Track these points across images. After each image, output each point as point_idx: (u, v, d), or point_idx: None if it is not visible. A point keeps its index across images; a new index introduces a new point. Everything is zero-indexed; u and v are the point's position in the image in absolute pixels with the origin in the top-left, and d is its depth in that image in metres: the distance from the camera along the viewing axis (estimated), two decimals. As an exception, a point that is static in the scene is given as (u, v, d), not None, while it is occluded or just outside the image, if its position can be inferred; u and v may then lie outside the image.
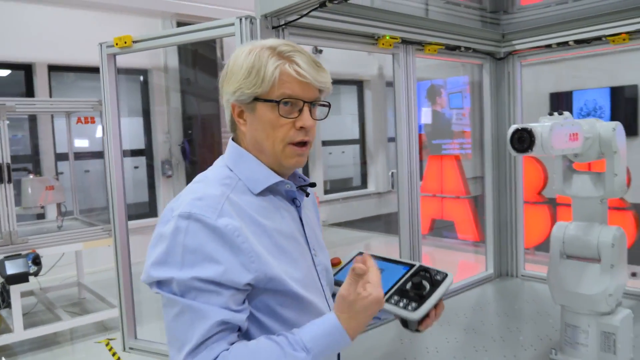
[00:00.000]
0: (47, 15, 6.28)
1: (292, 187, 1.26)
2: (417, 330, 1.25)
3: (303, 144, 1.21)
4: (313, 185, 1.35)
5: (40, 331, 4.16)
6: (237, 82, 1.18)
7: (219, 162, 1.29)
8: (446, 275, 1.25)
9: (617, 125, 1.92)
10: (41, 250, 4.13)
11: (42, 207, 4.70)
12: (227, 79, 1.21)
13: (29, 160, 6.47)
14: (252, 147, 1.23)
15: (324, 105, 1.24)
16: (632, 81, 7.59)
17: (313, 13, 1.86)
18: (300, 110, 1.17)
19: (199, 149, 7.61)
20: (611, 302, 1.87)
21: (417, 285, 1.23)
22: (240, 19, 1.80)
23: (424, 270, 1.27)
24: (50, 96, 6.57)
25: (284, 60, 1.16)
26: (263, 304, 1.14)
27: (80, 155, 6.28)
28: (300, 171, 1.38)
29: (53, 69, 6.67)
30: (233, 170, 1.23)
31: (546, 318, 2.40)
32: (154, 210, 7.56)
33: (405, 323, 1.27)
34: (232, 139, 1.29)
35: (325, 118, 1.28)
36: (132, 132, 7.40)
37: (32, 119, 6.49)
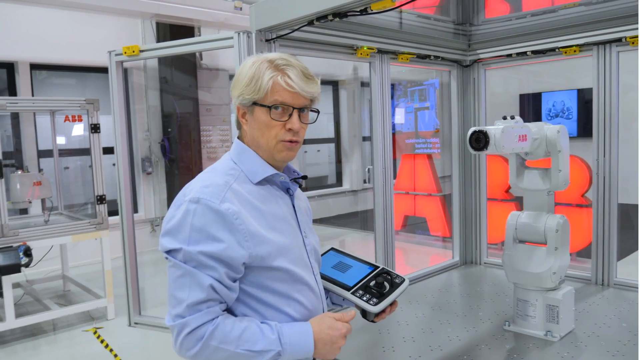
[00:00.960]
0: (29, 14, 6.37)
1: (285, 179, 1.51)
2: (373, 321, 1.53)
3: (292, 141, 1.46)
4: (305, 177, 1.61)
5: (31, 320, 4.31)
6: (240, 89, 1.43)
7: (225, 156, 1.54)
8: (404, 279, 1.55)
9: (562, 128, 2.25)
10: (31, 242, 4.28)
11: (30, 202, 4.82)
12: (234, 85, 1.47)
13: (11, 157, 6.54)
14: (251, 143, 1.48)
15: (313, 111, 1.50)
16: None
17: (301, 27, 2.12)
18: (290, 115, 1.42)
19: (177, 147, 7.76)
20: (555, 279, 2.19)
21: (379, 285, 1.51)
22: (239, 33, 2.06)
23: (386, 273, 1.56)
24: (33, 94, 6.65)
25: (278, 72, 1.40)
26: (256, 279, 1.38)
27: (60, 153, 6.37)
28: (293, 165, 1.64)
29: (35, 67, 6.76)
30: (237, 163, 1.48)
31: (503, 298, 2.72)
32: (134, 205, 7.69)
33: (364, 314, 1.54)
34: (237, 137, 1.54)
35: (314, 122, 1.54)
36: (112, 130, 7.50)
37: (15, 117, 6.57)
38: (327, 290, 1.59)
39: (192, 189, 1.38)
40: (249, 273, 1.37)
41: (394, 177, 3.06)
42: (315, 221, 1.73)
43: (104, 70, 7.13)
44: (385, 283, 1.51)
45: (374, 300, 1.48)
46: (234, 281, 1.34)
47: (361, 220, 9.80)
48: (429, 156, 7.36)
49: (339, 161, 10.84)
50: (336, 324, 1.40)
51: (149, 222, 7.68)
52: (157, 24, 7.57)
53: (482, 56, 3.40)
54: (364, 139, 10.87)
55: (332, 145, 10.87)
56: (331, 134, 10.78)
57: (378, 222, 2.99)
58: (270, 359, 1.32)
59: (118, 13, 6.78)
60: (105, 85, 7.57)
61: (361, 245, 7.66)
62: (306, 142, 10.28)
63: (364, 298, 1.49)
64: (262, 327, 1.34)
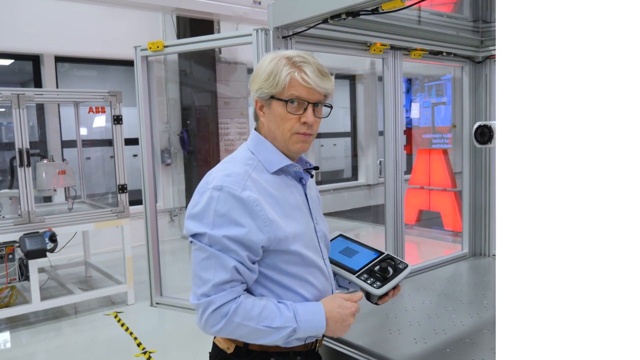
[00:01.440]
0: (53, 8, 6.57)
1: (299, 169, 1.62)
2: (376, 304, 1.63)
3: (307, 134, 1.57)
4: (316, 168, 1.72)
5: (55, 303, 4.51)
6: (259, 83, 1.53)
7: (243, 147, 1.65)
8: (407, 265, 1.65)
9: (567, 124, 2.31)
10: (56, 229, 4.46)
11: (55, 190, 5.00)
12: (253, 79, 1.57)
13: (36, 147, 6.76)
14: (268, 134, 1.58)
15: (327, 106, 1.60)
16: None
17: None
18: (305, 109, 1.52)
19: (196, 139, 7.92)
20: (557, 270, 2.27)
21: (383, 269, 1.61)
22: (257, 30, 2.17)
23: (390, 259, 1.66)
24: (57, 86, 6.86)
25: (295, 69, 1.50)
26: (272, 262, 1.50)
27: (83, 143, 6.57)
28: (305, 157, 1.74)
29: (59, 59, 6.97)
30: (254, 153, 1.59)
31: (509, 288, 2.80)
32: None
33: (368, 296, 1.64)
34: (255, 129, 1.65)
35: (327, 116, 1.64)
36: (132, 122, 7.68)
37: (39, 107, 6.78)
38: (334, 274, 1.69)
39: (215, 177, 1.48)
40: (266, 256, 1.48)
41: (409, 172, 3.11)
42: (330, 214, 1.83)
43: (124, 62, 7.39)
44: (389, 268, 1.61)
45: (378, 283, 1.58)
46: (254, 263, 1.45)
47: (374, 214, 9.88)
48: (445, 151, 7.39)
49: (355, 155, 10.93)
50: (346, 304, 1.52)
51: (167, 212, 7.87)
52: (178, 17, 7.71)
53: (494, 52, 3.46)
54: (381, 133, 10.93)
55: (348, 140, 10.95)
56: (348, 128, 10.87)
57: (389, 215, 3.07)
58: (286, 334, 1.44)
59: (140, 7, 6.95)
60: (126, 77, 7.83)
61: (374, 238, 7.76)
62: (323, 135, 10.41)
63: (369, 281, 1.59)
64: (279, 306, 1.46)
